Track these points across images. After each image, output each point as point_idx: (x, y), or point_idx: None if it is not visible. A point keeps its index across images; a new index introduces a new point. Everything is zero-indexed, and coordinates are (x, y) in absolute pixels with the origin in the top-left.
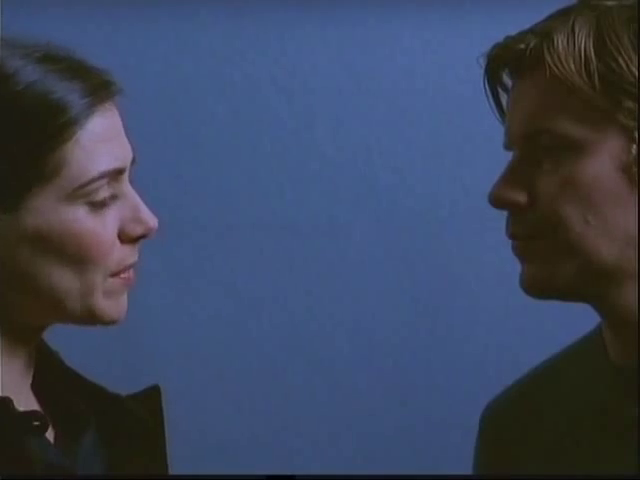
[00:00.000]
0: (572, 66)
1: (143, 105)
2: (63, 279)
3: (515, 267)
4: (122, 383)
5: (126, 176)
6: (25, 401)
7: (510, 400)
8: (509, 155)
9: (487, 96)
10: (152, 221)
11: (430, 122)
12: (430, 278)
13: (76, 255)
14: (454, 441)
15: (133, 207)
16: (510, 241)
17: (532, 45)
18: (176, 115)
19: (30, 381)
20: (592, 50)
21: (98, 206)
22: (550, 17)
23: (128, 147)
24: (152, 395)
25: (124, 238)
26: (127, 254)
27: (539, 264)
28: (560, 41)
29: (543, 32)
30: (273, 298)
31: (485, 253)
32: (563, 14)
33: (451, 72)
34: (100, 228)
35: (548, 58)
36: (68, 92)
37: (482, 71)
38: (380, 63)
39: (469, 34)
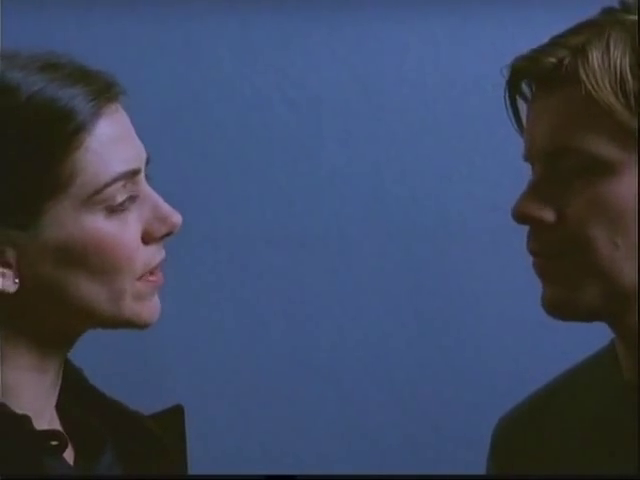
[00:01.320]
0: (608, 85)
1: (150, 117)
2: (91, 287)
3: (525, 281)
4: (129, 393)
5: (142, 176)
6: (49, 419)
7: (523, 415)
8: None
9: (506, 107)
10: (175, 217)
11: (439, 134)
12: (439, 291)
13: (100, 262)
14: (460, 453)
15: (153, 206)
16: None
17: (566, 60)
18: (184, 126)
19: (55, 399)
20: (628, 70)
21: (117, 210)
22: (579, 30)
23: (140, 147)
24: (174, 415)
25: (148, 239)
26: (153, 254)
27: (562, 285)
28: (595, 58)
29: (576, 47)
30: (282, 311)
31: (495, 267)
32: (594, 27)
33: (460, 84)
34: (121, 232)
35: (583, 76)
36: (72, 98)
37: (504, 81)
38: (389, 75)
39: (478, 46)
